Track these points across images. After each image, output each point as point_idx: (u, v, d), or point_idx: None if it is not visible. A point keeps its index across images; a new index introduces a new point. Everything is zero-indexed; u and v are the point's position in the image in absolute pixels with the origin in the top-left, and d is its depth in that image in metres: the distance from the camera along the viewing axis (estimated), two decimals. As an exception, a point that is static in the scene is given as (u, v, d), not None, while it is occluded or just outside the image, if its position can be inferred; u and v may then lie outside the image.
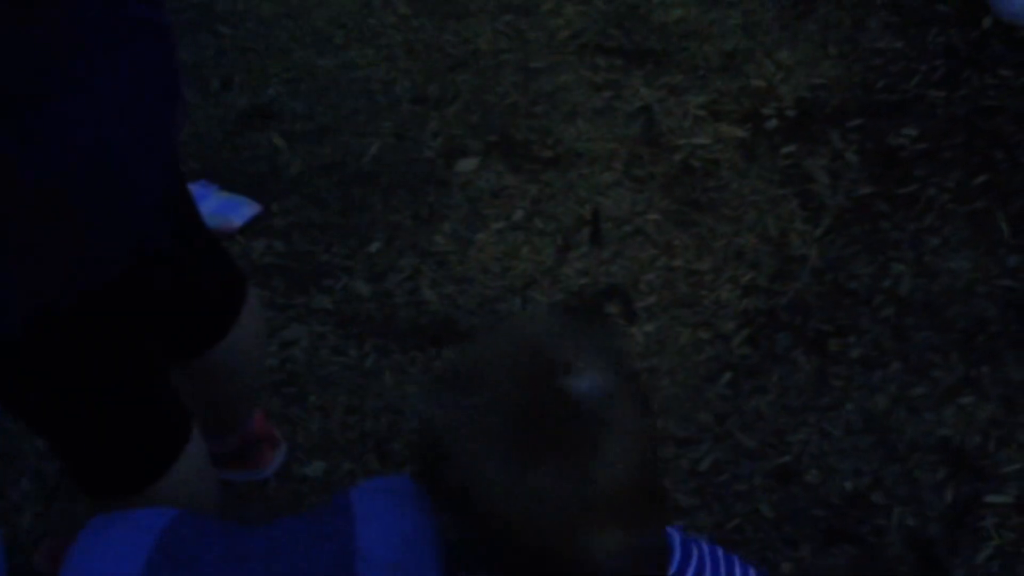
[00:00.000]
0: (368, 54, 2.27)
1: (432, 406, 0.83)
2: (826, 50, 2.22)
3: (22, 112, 0.92)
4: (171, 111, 1.05)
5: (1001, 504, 1.58)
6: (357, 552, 0.87)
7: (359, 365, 1.76)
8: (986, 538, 1.55)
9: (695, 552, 0.92)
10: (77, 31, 0.93)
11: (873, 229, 1.94)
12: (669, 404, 1.71)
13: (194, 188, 1.98)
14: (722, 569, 0.94)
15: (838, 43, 2.24)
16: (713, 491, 1.61)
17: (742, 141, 2.08)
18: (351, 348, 1.78)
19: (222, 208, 1.96)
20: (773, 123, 2.11)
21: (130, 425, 1.13)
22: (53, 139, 0.93)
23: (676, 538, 0.92)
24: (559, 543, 0.79)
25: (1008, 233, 1.91)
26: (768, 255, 1.91)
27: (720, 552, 0.95)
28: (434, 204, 2.00)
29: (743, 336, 1.80)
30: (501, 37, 2.29)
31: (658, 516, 0.88)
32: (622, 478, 0.79)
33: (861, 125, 2.09)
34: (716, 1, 2.33)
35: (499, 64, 2.24)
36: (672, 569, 0.90)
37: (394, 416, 1.70)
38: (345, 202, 2.01)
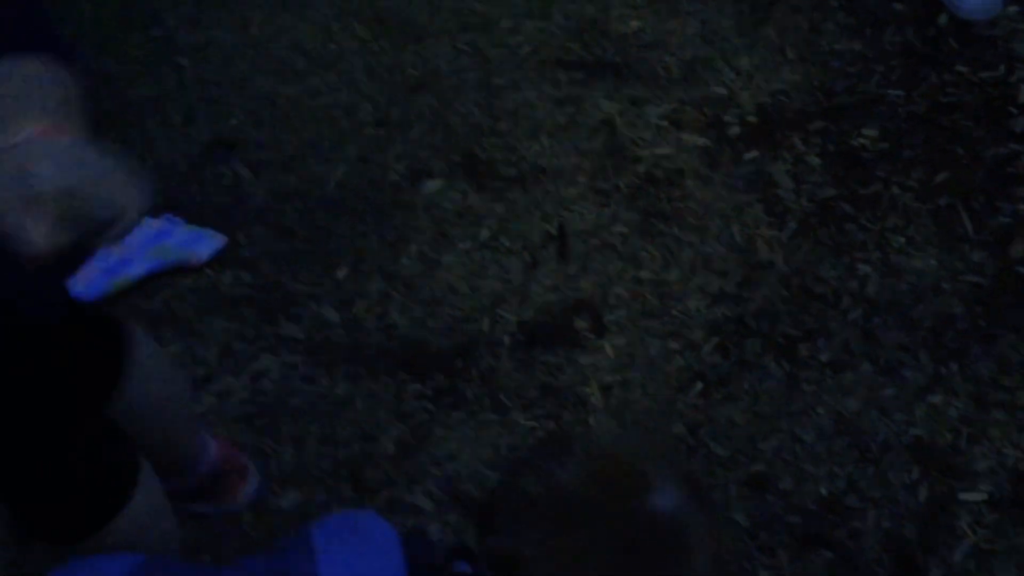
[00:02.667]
0: (329, 80, 2.27)
1: (521, 542, 0.86)
2: (785, 55, 2.24)
3: None
4: None
5: (975, 501, 1.59)
6: (318, 592, 0.87)
7: (330, 393, 1.76)
8: (961, 536, 1.56)
9: None
10: None
11: (838, 231, 1.95)
12: (641, 416, 1.72)
13: (160, 222, 2.00)
14: None
15: (796, 47, 2.25)
16: (688, 502, 1.61)
17: (705, 149, 2.09)
18: (322, 376, 1.78)
19: (187, 241, 1.95)
20: (735, 130, 2.12)
21: (68, 472, 1.12)
22: None
23: None
24: None
25: (971, 229, 1.92)
26: (735, 262, 1.91)
27: None
28: (400, 227, 2.00)
29: (713, 345, 1.80)
30: (461, 56, 2.30)
31: None
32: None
33: (822, 128, 2.10)
34: (674, 11, 2.34)
35: (460, 84, 2.24)
36: None
37: (367, 443, 1.69)
38: (311, 229, 2.01)
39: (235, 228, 2.01)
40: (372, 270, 1.93)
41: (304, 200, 2.06)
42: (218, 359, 1.81)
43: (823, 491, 1.62)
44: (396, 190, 2.06)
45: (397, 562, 0.91)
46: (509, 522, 0.88)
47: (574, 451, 0.91)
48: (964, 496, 1.60)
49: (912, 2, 2.29)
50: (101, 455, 1.15)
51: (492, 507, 0.91)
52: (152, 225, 1.98)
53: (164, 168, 2.11)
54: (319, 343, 1.83)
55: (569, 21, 2.34)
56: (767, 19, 2.31)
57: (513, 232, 1.98)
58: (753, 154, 2.07)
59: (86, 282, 1.87)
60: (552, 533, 0.86)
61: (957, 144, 2.04)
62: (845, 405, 1.71)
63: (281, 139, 2.17)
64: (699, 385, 1.75)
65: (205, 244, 1.95)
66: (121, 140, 2.13)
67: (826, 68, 2.20)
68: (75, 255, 0.98)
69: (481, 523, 0.90)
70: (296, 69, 2.30)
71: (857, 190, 2.00)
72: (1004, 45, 2.20)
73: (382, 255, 1.96)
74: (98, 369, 1.24)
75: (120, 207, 0.80)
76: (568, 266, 1.92)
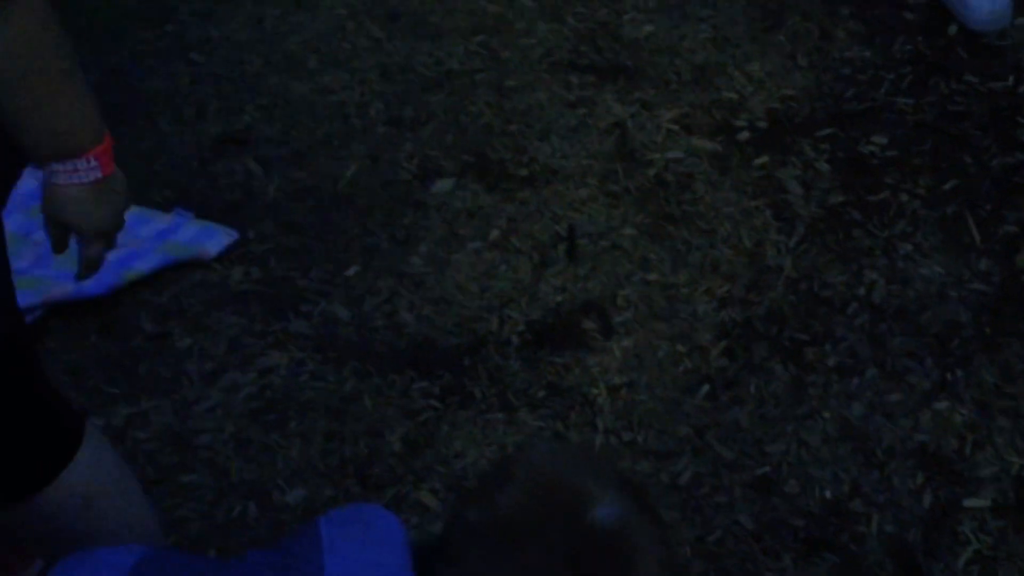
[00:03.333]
0: (342, 78, 2.28)
1: (470, 572, 0.87)
2: (795, 61, 2.25)
3: None
4: None
5: (979, 508, 1.60)
6: (325, 583, 0.87)
7: (338, 390, 1.76)
8: (965, 542, 1.57)
9: None
10: None
11: (846, 237, 1.96)
12: (648, 419, 1.72)
13: (170, 217, 2.01)
14: None
15: (807, 54, 2.26)
16: (694, 504, 1.62)
17: (715, 154, 2.10)
18: (330, 373, 1.79)
19: (197, 237, 1.96)
20: (745, 135, 2.13)
21: (17, 423, 1.11)
22: None
23: None
24: None
25: (978, 237, 1.93)
26: (743, 266, 1.92)
27: None
28: (410, 226, 2.01)
29: (720, 348, 1.81)
30: (474, 57, 2.31)
31: None
32: None
33: (831, 134, 2.11)
34: (686, 16, 2.35)
35: (473, 84, 2.25)
36: None
37: (374, 440, 1.70)
38: (322, 226, 2.02)
39: (245, 224, 2.02)
40: (382, 268, 1.94)
41: (315, 197, 2.07)
42: (226, 354, 1.82)
43: (828, 495, 1.63)
44: (407, 189, 2.07)
45: (403, 554, 0.92)
46: (458, 553, 0.88)
47: (514, 475, 0.91)
48: (968, 502, 1.61)
49: (922, 11, 2.30)
50: (47, 410, 1.15)
51: (444, 539, 0.91)
52: (163, 219, 1.99)
53: (175, 163, 2.12)
54: (328, 340, 1.84)
55: (581, 24, 2.35)
56: (778, 25, 2.32)
57: (523, 232, 1.99)
58: (763, 159, 2.08)
59: (95, 276, 1.88)
60: (497, 559, 0.86)
61: (965, 153, 2.05)
62: (851, 410, 1.72)
63: (292, 136, 2.18)
64: (706, 388, 1.76)
65: (215, 239, 1.96)
66: (133, 134, 2.14)
67: (836, 75, 2.21)
68: None
69: (438, 556, 0.90)
70: (308, 66, 2.31)
71: (865, 196, 2.01)
72: (1013, 56, 2.21)
73: (392, 253, 1.97)
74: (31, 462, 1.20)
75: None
76: (577, 267, 1.93)
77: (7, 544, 1.42)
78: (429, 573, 0.89)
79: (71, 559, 0.99)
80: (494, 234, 1.99)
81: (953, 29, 2.24)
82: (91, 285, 1.81)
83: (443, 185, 2.08)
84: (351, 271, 1.94)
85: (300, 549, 0.89)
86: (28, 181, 1.93)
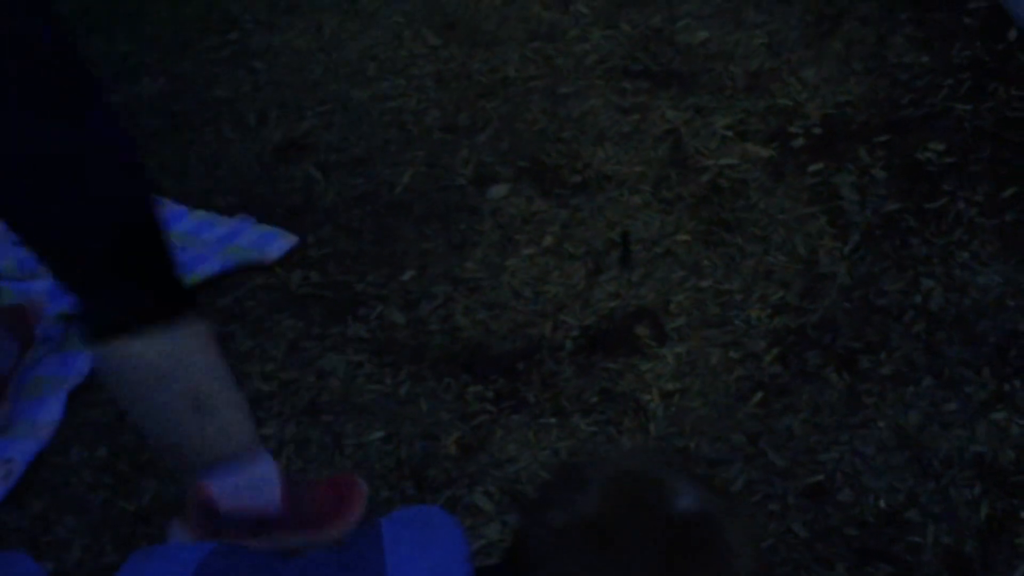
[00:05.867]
0: (399, 85, 2.32)
1: (561, 564, 0.88)
2: (851, 67, 2.24)
3: None
4: None
5: (1036, 520, 1.58)
6: (387, 583, 0.90)
7: (394, 393, 1.80)
8: (1022, 554, 1.55)
9: None
10: None
11: (902, 245, 1.94)
12: (701, 425, 1.73)
13: (234, 221, 2.06)
14: None
15: (863, 59, 2.25)
16: (746, 512, 1.62)
17: (769, 160, 2.10)
18: (386, 376, 1.82)
19: (259, 241, 2.01)
20: (800, 141, 2.12)
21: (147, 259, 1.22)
22: None
23: None
24: None
25: (1038, 246, 1.90)
26: (797, 273, 1.92)
27: None
28: (466, 231, 2.04)
29: (773, 355, 1.81)
30: (529, 64, 2.33)
31: None
32: (751, 560, 0.89)
33: (888, 141, 2.10)
34: (740, 22, 2.35)
35: (528, 91, 2.28)
36: None
37: (429, 443, 1.73)
38: (379, 231, 2.06)
39: (305, 228, 2.07)
40: (437, 273, 1.97)
41: (372, 202, 2.11)
42: (285, 356, 1.86)
43: (882, 504, 1.62)
44: (462, 194, 2.10)
45: (463, 556, 0.94)
46: (544, 558, 0.89)
47: (588, 478, 0.92)
48: (1025, 514, 1.59)
49: (981, 16, 2.28)
50: (169, 257, 1.24)
51: (520, 546, 0.92)
52: (226, 224, 2.04)
53: (238, 168, 2.18)
54: (384, 343, 1.87)
55: (635, 30, 2.37)
56: (834, 31, 2.31)
57: (577, 238, 2.01)
58: (818, 166, 2.08)
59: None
60: (592, 558, 0.87)
61: (1023, 160, 2.03)
62: (906, 419, 1.71)
63: (351, 142, 2.22)
64: (759, 395, 1.76)
65: (276, 244, 2.01)
66: (197, 140, 2.20)
67: (893, 80, 2.20)
68: None
69: (511, 563, 0.92)
70: (367, 73, 2.35)
71: (922, 204, 2.00)
72: (1076, 60, 2.18)
73: (447, 258, 1.99)
74: None
75: None
76: (631, 273, 1.95)
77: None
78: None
79: (141, 552, 1.03)
80: (548, 240, 2.01)
81: (1013, 34, 2.22)
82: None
83: (498, 191, 2.10)
84: (407, 276, 1.98)
85: (361, 549, 0.92)
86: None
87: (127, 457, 1.74)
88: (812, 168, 2.08)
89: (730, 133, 2.15)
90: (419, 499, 1.65)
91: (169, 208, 2.02)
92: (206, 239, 2.00)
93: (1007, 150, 2.05)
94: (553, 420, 1.75)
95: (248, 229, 2.04)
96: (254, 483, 1.36)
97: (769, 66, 2.26)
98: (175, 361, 1.24)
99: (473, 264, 1.98)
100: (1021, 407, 1.70)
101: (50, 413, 1.77)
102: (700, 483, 0.91)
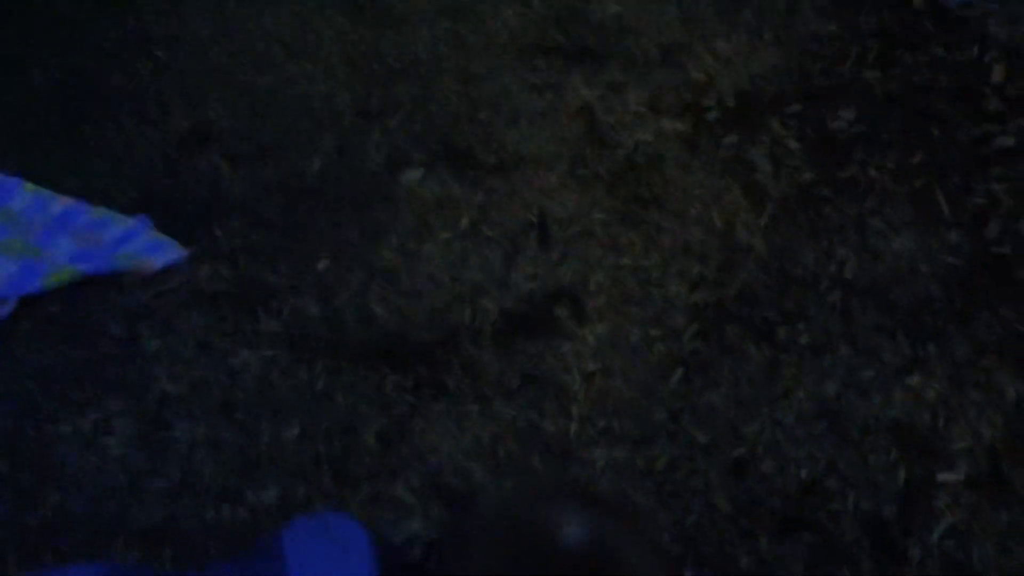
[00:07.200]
0: (307, 69, 2.26)
1: None
2: (762, 37, 2.23)
3: None
4: None
5: (953, 482, 1.60)
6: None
7: (311, 387, 1.75)
8: (940, 516, 1.57)
9: None
10: None
11: (816, 214, 1.95)
12: (623, 405, 1.72)
13: (132, 222, 1.97)
14: None
15: (774, 29, 2.25)
16: (670, 489, 1.62)
17: (684, 134, 2.09)
18: (302, 370, 1.77)
19: (146, 249, 1.93)
20: (714, 115, 2.12)
21: None
22: None
23: None
24: None
25: (947, 210, 1.93)
26: (714, 247, 1.92)
27: None
28: (380, 218, 2.00)
29: (693, 331, 1.81)
30: (440, 44, 2.29)
31: None
32: (653, 572, 0.88)
33: (800, 111, 2.10)
34: (651, -5, 2.33)
35: (439, 71, 2.23)
36: None
37: (348, 437, 1.69)
38: (290, 221, 2.00)
39: (212, 221, 2.00)
40: (352, 261, 1.93)
41: (282, 192, 2.05)
42: (195, 355, 1.80)
43: (803, 474, 1.63)
44: (376, 180, 2.05)
45: (369, 566, 0.91)
46: None
47: (474, 535, 0.90)
48: (942, 476, 1.61)
49: (888, -17, 2.29)
50: None
51: None
52: (125, 223, 1.96)
53: (140, 161, 2.10)
54: (299, 337, 1.83)
55: (548, 7, 2.33)
56: (745, 2, 2.30)
57: (494, 221, 1.98)
58: (732, 138, 2.07)
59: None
60: None
61: (933, 125, 2.05)
62: (825, 388, 1.72)
63: (259, 130, 2.16)
64: (680, 371, 1.76)
65: (163, 253, 1.92)
66: (96, 134, 2.11)
67: (803, 50, 2.20)
68: None
69: None
70: (273, 58, 2.28)
71: (835, 173, 2.01)
72: (978, 26, 2.20)
73: (362, 246, 1.95)
74: None
75: None
76: (549, 254, 1.92)
77: None
78: None
79: (43, 572, 0.98)
80: (464, 223, 1.98)
81: (919, 1, 2.23)
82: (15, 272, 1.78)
83: (412, 175, 2.06)
84: (321, 266, 1.93)
85: (263, 563, 0.88)
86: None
87: (28, 470, 1.67)
88: (727, 141, 2.07)
89: (644, 108, 2.13)
90: (338, 494, 1.61)
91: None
92: (104, 238, 1.92)
93: (915, 117, 2.07)
94: (475, 407, 1.73)
95: (141, 234, 1.95)
96: None
97: (682, 40, 2.24)
98: None
99: (389, 251, 1.94)
100: (935, 371, 1.73)
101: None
102: (591, 510, 0.90)
